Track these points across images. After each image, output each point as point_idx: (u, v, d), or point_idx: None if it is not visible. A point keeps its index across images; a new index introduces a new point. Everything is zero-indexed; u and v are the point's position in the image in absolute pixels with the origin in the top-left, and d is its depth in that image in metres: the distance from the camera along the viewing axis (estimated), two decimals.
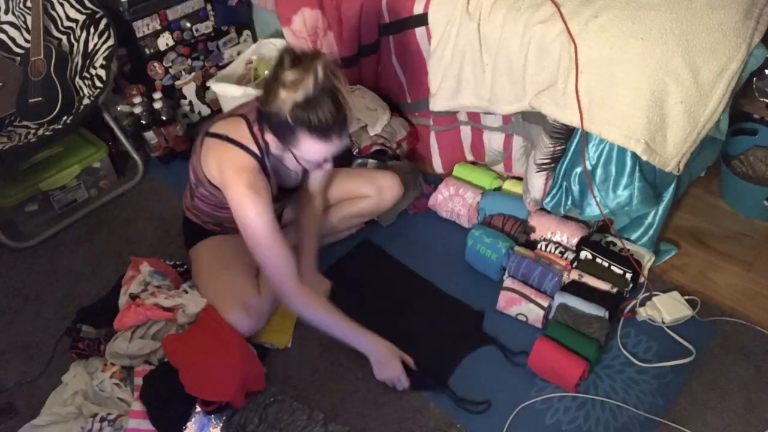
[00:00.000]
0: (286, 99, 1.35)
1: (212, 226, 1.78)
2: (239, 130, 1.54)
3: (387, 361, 1.57)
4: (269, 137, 1.49)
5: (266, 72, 2.30)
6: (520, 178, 2.02)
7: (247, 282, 1.70)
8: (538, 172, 1.77)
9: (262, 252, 1.54)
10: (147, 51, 2.31)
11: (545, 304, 1.69)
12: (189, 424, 1.53)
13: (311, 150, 1.44)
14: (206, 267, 1.74)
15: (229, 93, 2.14)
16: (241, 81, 2.28)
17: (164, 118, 2.34)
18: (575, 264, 1.78)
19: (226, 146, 1.53)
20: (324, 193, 1.86)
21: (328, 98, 1.36)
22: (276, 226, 1.54)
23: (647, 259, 1.79)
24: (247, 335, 1.65)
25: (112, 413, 1.51)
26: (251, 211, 1.50)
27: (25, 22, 2.19)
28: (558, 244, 1.81)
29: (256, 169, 1.53)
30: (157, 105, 2.32)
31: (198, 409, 1.56)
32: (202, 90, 2.52)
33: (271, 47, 2.38)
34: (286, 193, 1.77)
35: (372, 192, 1.89)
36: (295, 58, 1.36)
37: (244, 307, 1.63)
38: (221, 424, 1.53)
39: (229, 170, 1.51)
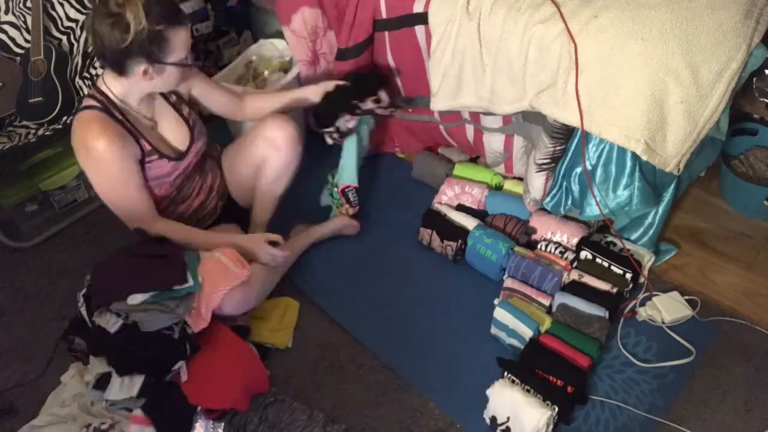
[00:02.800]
0: (134, 15, 1.41)
1: (191, 225, 1.76)
2: (80, 108, 1.57)
3: (256, 246, 1.72)
4: (137, 74, 1.50)
5: (266, 72, 2.30)
6: (521, 179, 2.02)
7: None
8: (538, 172, 1.77)
9: (116, 207, 1.63)
10: None
11: (546, 303, 1.69)
12: (196, 425, 1.52)
13: (182, 40, 1.51)
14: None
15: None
16: (240, 81, 2.28)
17: None
18: (575, 264, 1.78)
19: (73, 123, 1.55)
20: (228, 92, 1.86)
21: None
22: (124, 173, 1.56)
23: (647, 259, 1.79)
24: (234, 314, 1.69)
25: (105, 422, 1.51)
26: (92, 171, 1.56)
27: (25, 22, 2.19)
28: (558, 244, 1.81)
29: (100, 118, 1.53)
30: None
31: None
32: None
33: (271, 47, 2.38)
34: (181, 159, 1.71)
35: (266, 152, 1.81)
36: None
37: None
38: (223, 424, 1.53)
39: (75, 143, 1.54)
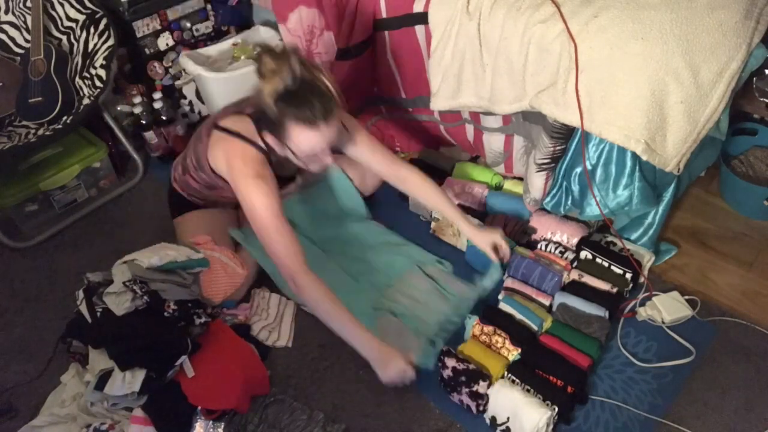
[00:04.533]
0: (269, 91, 1.44)
1: (196, 200, 1.86)
2: (246, 127, 1.61)
3: (389, 360, 1.50)
4: (268, 137, 1.57)
5: (242, 56, 2.34)
6: (521, 179, 2.02)
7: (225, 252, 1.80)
8: (538, 171, 1.77)
9: (269, 238, 1.56)
10: (147, 51, 2.31)
11: (546, 303, 1.69)
12: (195, 425, 1.52)
13: (303, 140, 1.50)
14: (190, 236, 1.82)
15: (194, 71, 2.21)
16: (215, 63, 2.32)
17: (164, 118, 2.34)
18: (575, 264, 1.78)
19: (235, 141, 1.60)
20: (389, 162, 1.79)
21: (308, 86, 1.45)
22: (282, 213, 1.57)
23: (647, 259, 1.79)
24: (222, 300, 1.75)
25: (105, 422, 1.50)
26: (258, 200, 1.54)
27: (25, 22, 2.19)
28: (558, 244, 1.81)
29: (263, 161, 1.60)
30: (157, 105, 2.32)
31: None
32: None
33: (262, 35, 2.41)
34: (282, 181, 1.77)
35: (356, 177, 1.98)
36: (273, 54, 1.44)
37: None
38: (222, 424, 1.53)
39: (237, 162, 1.57)
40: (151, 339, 1.51)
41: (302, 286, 1.54)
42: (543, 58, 1.61)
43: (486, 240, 1.76)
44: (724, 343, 1.66)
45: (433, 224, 1.98)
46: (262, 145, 1.60)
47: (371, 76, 2.18)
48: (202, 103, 2.54)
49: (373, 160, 1.78)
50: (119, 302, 1.52)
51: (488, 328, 1.60)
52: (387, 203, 2.14)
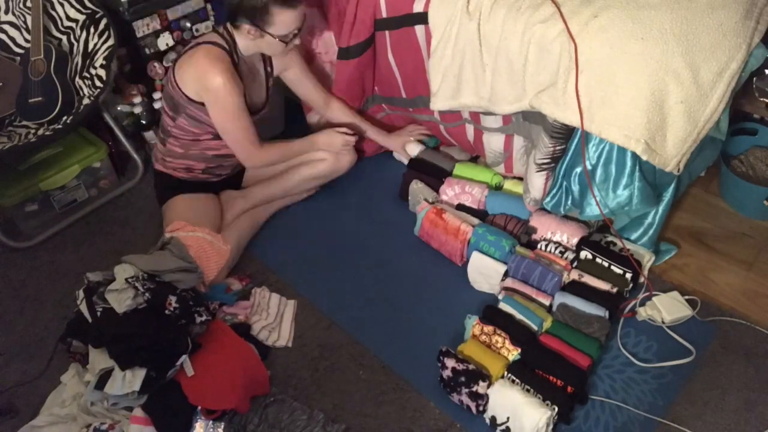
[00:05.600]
0: None
1: (182, 173, 1.96)
2: (207, 38, 1.81)
3: (333, 137, 2.01)
4: (244, 30, 1.76)
5: None
6: (521, 179, 2.02)
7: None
8: (538, 171, 1.77)
9: (232, 124, 1.81)
10: (147, 51, 2.30)
11: (546, 303, 1.69)
12: (195, 425, 1.52)
13: (284, 19, 1.73)
14: (177, 219, 1.87)
15: None
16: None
17: None
18: (575, 264, 1.78)
19: (198, 49, 1.78)
20: (319, 88, 2.10)
21: None
22: (244, 106, 1.81)
23: (647, 259, 1.79)
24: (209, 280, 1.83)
25: (105, 422, 1.50)
26: (223, 90, 1.73)
27: (25, 21, 2.19)
28: (558, 243, 1.81)
29: (227, 60, 1.77)
30: (157, 105, 2.32)
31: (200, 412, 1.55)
32: None
33: None
34: (252, 114, 1.94)
35: (329, 155, 2.09)
36: None
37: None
38: (223, 424, 1.53)
39: (203, 61, 1.74)
40: (152, 338, 1.51)
41: (257, 155, 1.91)
42: (543, 58, 1.61)
43: (398, 143, 2.20)
44: (724, 343, 1.66)
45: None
46: (224, 43, 1.78)
47: (372, 76, 2.18)
48: None
49: (303, 84, 2.06)
50: (121, 299, 1.53)
51: (488, 328, 1.61)
52: (387, 203, 2.14)
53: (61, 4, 2.19)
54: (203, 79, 1.74)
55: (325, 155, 2.08)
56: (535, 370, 1.52)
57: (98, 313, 1.55)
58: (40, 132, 2.05)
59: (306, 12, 1.81)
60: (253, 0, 1.69)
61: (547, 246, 1.81)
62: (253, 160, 1.93)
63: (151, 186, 2.30)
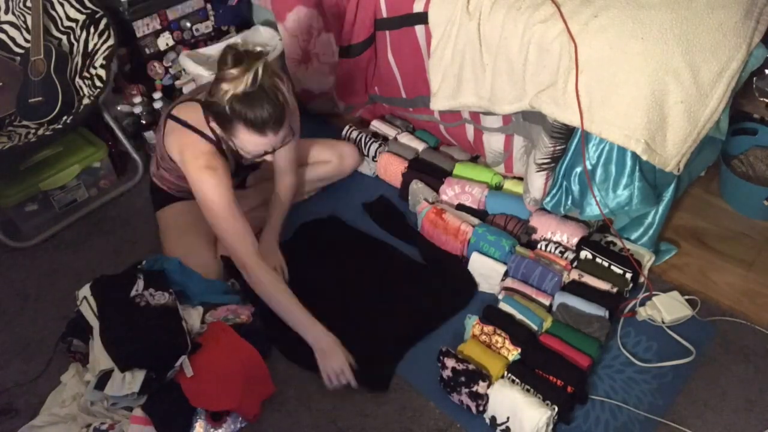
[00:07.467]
0: (227, 91, 1.46)
1: (176, 192, 1.90)
2: (197, 116, 1.65)
3: (332, 353, 1.57)
4: (213, 125, 1.61)
5: None
6: (521, 178, 2.02)
7: (204, 244, 1.84)
8: (538, 171, 1.77)
9: (221, 227, 1.66)
10: (147, 51, 2.31)
11: (546, 302, 1.69)
12: (195, 425, 1.52)
13: (248, 141, 1.55)
14: (171, 228, 1.88)
15: (194, 71, 2.21)
16: (215, 63, 2.31)
17: None
18: (575, 264, 1.78)
19: (184, 132, 1.66)
20: (294, 170, 1.94)
21: (265, 95, 1.47)
22: (234, 202, 1.65)
23: (647, 259, 1.79)
24: None
25: (105, 422, 1.50)
26: (209, 189, 1.62)
27: (25, 21, 2.19)
28: (558, 243, 1.81)
29: (213, 152, 1.66)
30: (157, 105, 2.32)
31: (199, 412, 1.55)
32: None
33: (261, 35, 2.40)
34: (246, 169, 1.93)
35: (333, 158, 2.07)
36: (238, 56, 1.46)
37: (202, 267, 1.78)
38: (224, 426, 1.53)
39: (188, 154, 1.64)
40: (152, 339, 1.51)
41: (253, 275, 1.65)
42: (543, 58, 1.61)
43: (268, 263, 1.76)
44: (724, 343, 1.66)
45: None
46: (210, 134, 1.65)
47: (372, 76, 2.19)
48: None
49: (280, 165, 1.89)
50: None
51: (488, 328, 1.60)
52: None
53: (61, 4, 2.19)
54: (186, 170, 1.64)
55: (329, 157, 2.07)
56: (535, 370, 1.52)
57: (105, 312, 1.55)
58: (40, 132, 2.05)
59: (284, 134, 1.58)
60: (217, 106, 1.49)
61: (547, 246, 1.81)
62: (248, 274, 1.66)
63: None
